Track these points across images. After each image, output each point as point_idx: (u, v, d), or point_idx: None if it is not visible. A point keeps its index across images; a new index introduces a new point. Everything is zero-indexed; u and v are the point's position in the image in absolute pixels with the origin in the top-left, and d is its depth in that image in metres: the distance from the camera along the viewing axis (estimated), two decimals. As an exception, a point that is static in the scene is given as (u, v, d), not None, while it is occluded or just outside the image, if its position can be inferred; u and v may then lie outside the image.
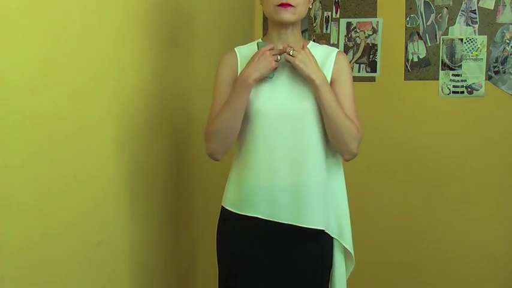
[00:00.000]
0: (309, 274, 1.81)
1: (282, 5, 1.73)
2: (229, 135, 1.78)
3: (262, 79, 1.76)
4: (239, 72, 1.81)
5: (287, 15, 1.74)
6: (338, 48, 3.04)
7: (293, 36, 1.82)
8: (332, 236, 1.83)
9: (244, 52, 1.86)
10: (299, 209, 1.76)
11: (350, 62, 3.05)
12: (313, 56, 1.77)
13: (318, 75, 1.73)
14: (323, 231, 1.80)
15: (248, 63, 1.76)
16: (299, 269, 1.80)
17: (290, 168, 1.76)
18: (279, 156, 1.76)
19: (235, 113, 1.76)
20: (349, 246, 1.85)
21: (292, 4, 1.73)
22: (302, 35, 1.94)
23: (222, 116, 1.77)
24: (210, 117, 1.84)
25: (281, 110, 1.77)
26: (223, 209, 1.87)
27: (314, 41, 2.05)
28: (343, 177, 1.88)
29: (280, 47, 1.80)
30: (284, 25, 1.78)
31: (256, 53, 1.75)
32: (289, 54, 1.74)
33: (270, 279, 1.80)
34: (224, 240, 1.88)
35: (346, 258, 1.88)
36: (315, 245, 1.81)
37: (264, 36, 1.92)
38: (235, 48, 1.88)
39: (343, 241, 1.84)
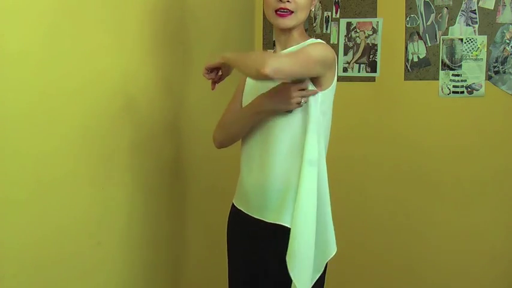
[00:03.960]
0: (281, 274, 1.72)
1: (281, 14, 1.74)
2: (234, 135, 1.89)
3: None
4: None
5: (286, 22, 1.76)
6: (338, 48, 3.06)
7: (292, 39, 1.82)
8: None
9: None
10: (264, 204, 1.79)
11: (350, 62, 3.06)
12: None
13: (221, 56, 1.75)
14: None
15: (270, 90, 1.74)
16: (272, 267, 1.77)
17: (259, 165, 1.80)
18: (253, 153, 1.83)
19: (241, 127, 1.85)
20: (288, 258, 1.69)
21: (291, 9, 1.74)
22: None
23: (231, 120, 1.88)
24: (225, 112, 1.94)
25: None
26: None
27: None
28: (323, 177, 1.76)
29: (279, 48, 1.84)
30: (283, 30, 1.80)
31: (286, 86, 1.70)
32: None
33: (253, 273, 1.82)
34: (227, 231, 1.95)
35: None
36: (284, 243, 1.72)
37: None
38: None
39: (289, 251, 1.69)
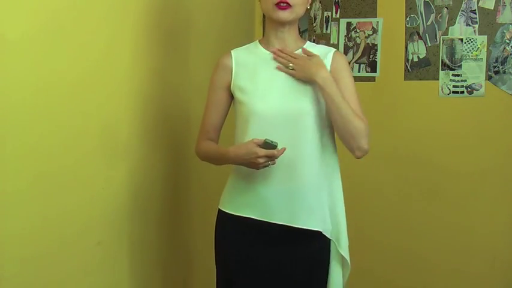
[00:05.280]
0: (304, 276, 1.79)
1: (281, 7, 1.74)
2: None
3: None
4: (233, 76, 1.83)
5: (285, 14, 1.76)
6: (338, 48, 3.05)
7: (289, 35, 1.83)
8: (330, 238, 1.81)
9: (241, 55, 1.86)
10: (293, 209, 1.76)
11: (350, 62, 3.05)
12: (313, 56, 1.79)
13: (319, 75, 1.74)
14: (319, 233, 1.78)
15: (242, 146, 1.70)
16: (294, 271, 1.78)
17: (286, 171, 1.75)
18: None
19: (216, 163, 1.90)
20: (345, 252, 1.81)
21: (290, 4, 1.75)
22: (302, 35, 1.94)
23: (208, 156, 1.88)
24: (203, 123, 1.89)
25: (276, 110, 1.75)
26: (219, 211, 1.87)
27: (314, 41, 2.06)
28: (340, 179, 1.85)
29: (277, 45, 1.82)
30: (281, 23, 1.80)
31: (253, 150, 1.66)
32: (290, 69, 1.78)
33: (266, 281, 1.79)
34: (221, 241, 1.87)
35: (343, 262, 1.84)
36: (311, 247, 1.79)
37: (263, 36, 1.91)
38: (231, 51, 1.88)
39: (339, 245, 1.81)
